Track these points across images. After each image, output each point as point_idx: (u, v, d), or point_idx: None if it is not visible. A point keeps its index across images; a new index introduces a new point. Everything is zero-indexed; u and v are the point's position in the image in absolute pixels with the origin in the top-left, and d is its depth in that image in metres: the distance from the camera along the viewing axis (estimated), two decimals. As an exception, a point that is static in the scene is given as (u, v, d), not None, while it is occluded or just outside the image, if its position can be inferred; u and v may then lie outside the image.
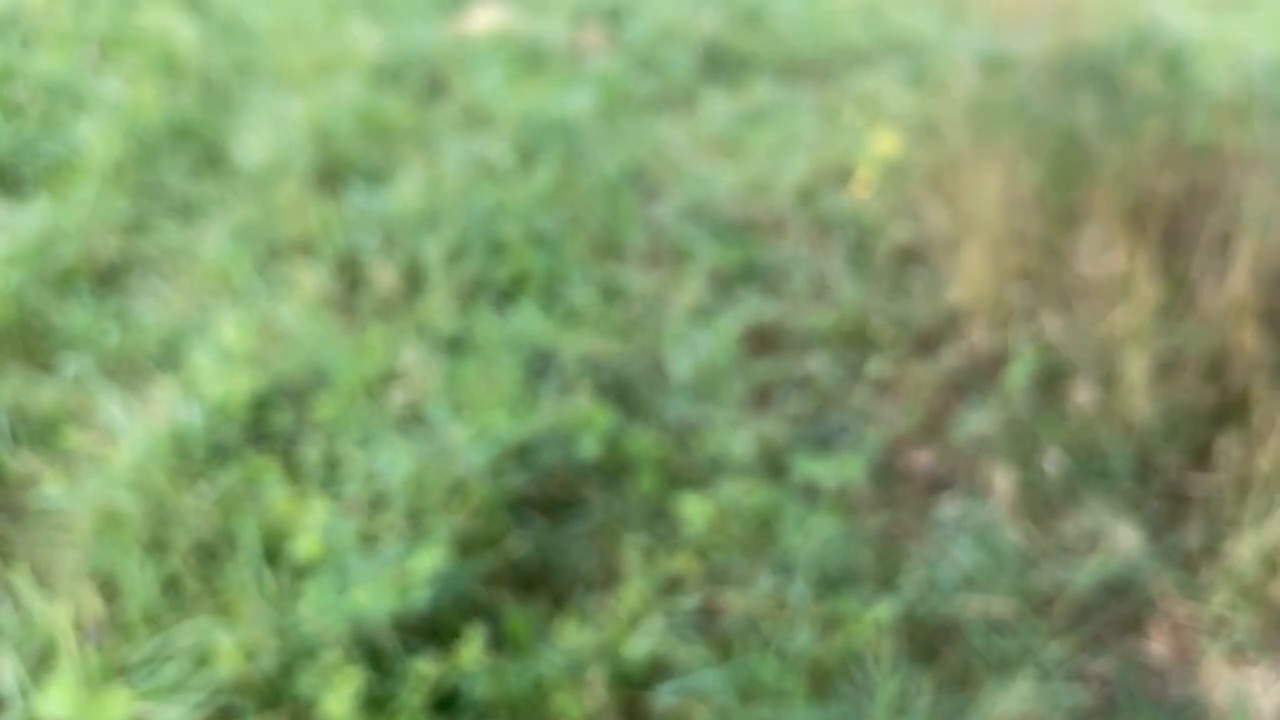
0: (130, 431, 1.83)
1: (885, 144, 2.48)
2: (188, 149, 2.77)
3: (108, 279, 2.34)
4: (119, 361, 2.09)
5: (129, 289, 2.32)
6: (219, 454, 1.78)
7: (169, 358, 2.10)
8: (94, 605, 1.53)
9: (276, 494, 1.65)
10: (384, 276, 2.32)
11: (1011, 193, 2.13)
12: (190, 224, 2.51)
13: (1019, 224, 2.12)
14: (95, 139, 2.71)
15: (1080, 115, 2.16)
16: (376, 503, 1.67)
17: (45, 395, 1.96)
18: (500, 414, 1.83)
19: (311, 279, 2.31)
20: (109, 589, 1.57)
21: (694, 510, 1.69)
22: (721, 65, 3.62)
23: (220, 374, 1.96)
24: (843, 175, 2.82)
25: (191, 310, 2.24)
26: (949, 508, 1.86)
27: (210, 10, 3.60)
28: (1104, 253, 2.03)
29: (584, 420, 1.89)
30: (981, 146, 2.21)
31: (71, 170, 2.64)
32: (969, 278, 2.20)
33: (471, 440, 1.76)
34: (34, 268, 2.27)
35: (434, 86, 3.28)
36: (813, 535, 1.69)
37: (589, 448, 1.85)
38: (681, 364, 2.11)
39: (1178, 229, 2.00)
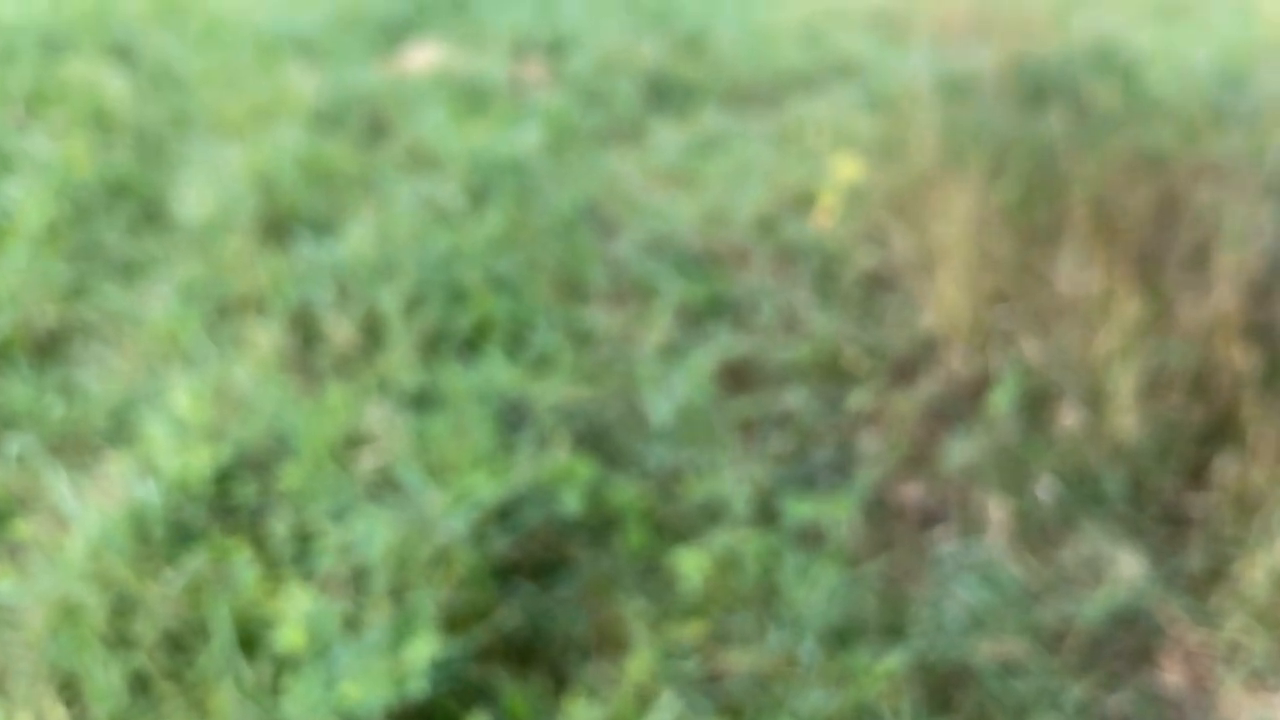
0: (84, 515, 1.71)
1: (847, 170, 2.42)
2: (125, 206, 2.64)
3: (47, 349, 2.21)
4: (66, 438, 1.96)
5: (71, 358, 2.19)
6: (181, 534, 1.66)
7: (120, 431, 1.98)
8: (55, 712, 1.41)
9: (248, 576, 1.54)
10: (340, 331, 2.22)
11: (981, 214, 2.08)
12: (132, 285, 2.38)
13: (991, 246, 2.07)
14: (25, 200, 2.58)
15: (1046, 132, 2.12)
16: (356, 579, 1.56)
17: (-12, 480, 1.83)
18: (477, 474, 1.73)
19: (264, 337, 2.20)
20: (70, 691, 1.45)
21: (690, 565, 1.61)
22: (667, 95, 3.56)
23: (177, 447, 1.85)
24: (802, 202, 2.76)
25: (140, 377, 2.11)
26: (946, 543, 1.79)
27: (139, 61, 3.47)
28: (1080, 271, 1.98)
29: (564, 474, 1.80)
30: (948, 168, 2.16)
31: (1, 234, 2.50)
32: (943, 303, 2.15)
33: (450, 505, 1.66)
34: (-32, 342, 2.14)
35: (376, 129, 3.18)
36: (815, 585, 1.62)
37: (571, 503, 1.76)
38: (658, 407, 2.03)
39: (1153, 244, 1.96)
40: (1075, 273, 1.98)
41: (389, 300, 2.28)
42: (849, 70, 3.86)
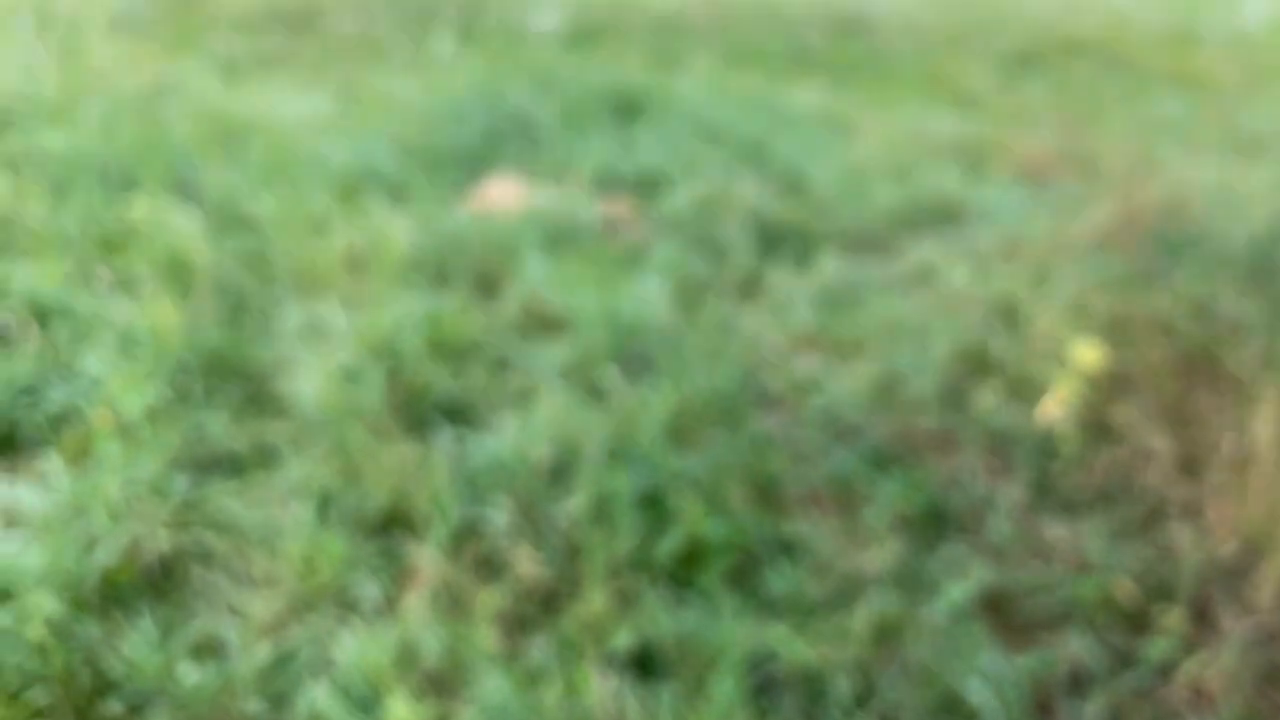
0: None
1: (1088, 356, 2.03)
2: (227, 387, 2.17)
3: (162, 586, 1.73)
4: (210, 723, 1.48)
5: (192, 597, 1.71)
6: None
7: (280, 711, 1.50)
8: None
9: None
10: (522, 561, 1.76)
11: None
12: (250, 492, 1.91)
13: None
14: (113, 381, 2.10)
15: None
16: None
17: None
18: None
19: (429, 566, 1.74)
20: None
21: None
22: (778, 240, 3.17)
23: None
24: (983, 373, 2.37)
25: (290, 627, 1.64)
26: None
27: (202, 197, 3.01)
28: None
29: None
30: (1237, 355, 1.77)
31: (86, 424, 2.02)
32: (1249, 527, 1.75)
33: None
34: (70, 584, 1.65)
35: (483, 283, 2.75)
36: None
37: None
38: (952, 676, 1.59)
39: None
40: None
41: (568, 516, 1.84)
42: (949, 212, 3.51)
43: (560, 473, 1.95)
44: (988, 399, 2.18)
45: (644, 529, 1.84)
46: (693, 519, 1.83)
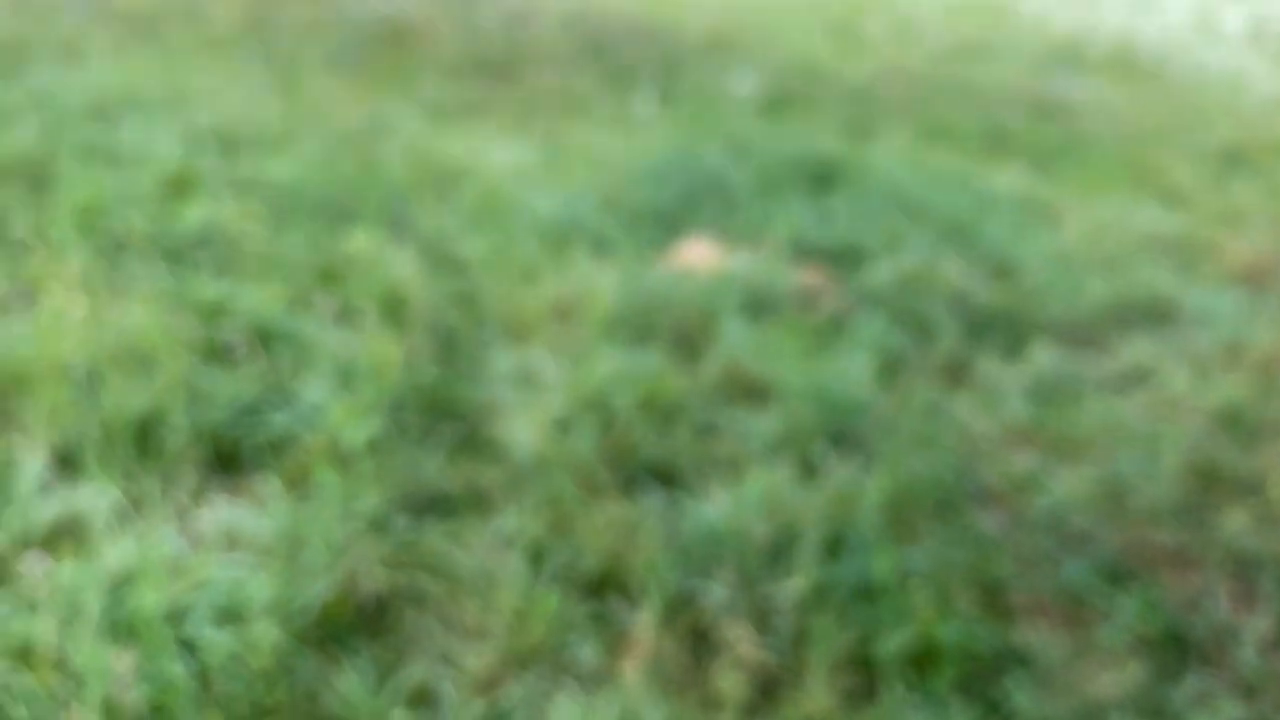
0: None
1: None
2: (441, 427, 2.16)
3: (376, 626, 1.69)
4: (427, 779, 1.43)
5: (405, 641, 1.67)
6: None
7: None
8: None
9: None
10: (742, 643, 1.67)
11: None
12: (464, 539, 1.87)
13: None
14: (333, 410, 2.10)
15: None
16: None
17: None
18: None
19: (643, 635, 1.67)
20: None
21: None
22: (985, 325, 3.03)
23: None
24: (1223, 490, 2.20)
25: (504, 684, 1.58)
26: None
27: (417, 235, 3.04)
28: None
29: None
30: None
31: (305, 451, 2.02)
32: None
33: None
34: (294, 615, 1.63)
35: (684, 343, 2.69)
36: None
37: None
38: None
39: None
40: None
41: (790, 597, 1.75)
42: (1162, 311, 3.32)
43: (777, 552, 1.87)
44: (1239, 519, 2.01)
45: (868, 622, 1.74)
46: (925, 618, 1.72)
